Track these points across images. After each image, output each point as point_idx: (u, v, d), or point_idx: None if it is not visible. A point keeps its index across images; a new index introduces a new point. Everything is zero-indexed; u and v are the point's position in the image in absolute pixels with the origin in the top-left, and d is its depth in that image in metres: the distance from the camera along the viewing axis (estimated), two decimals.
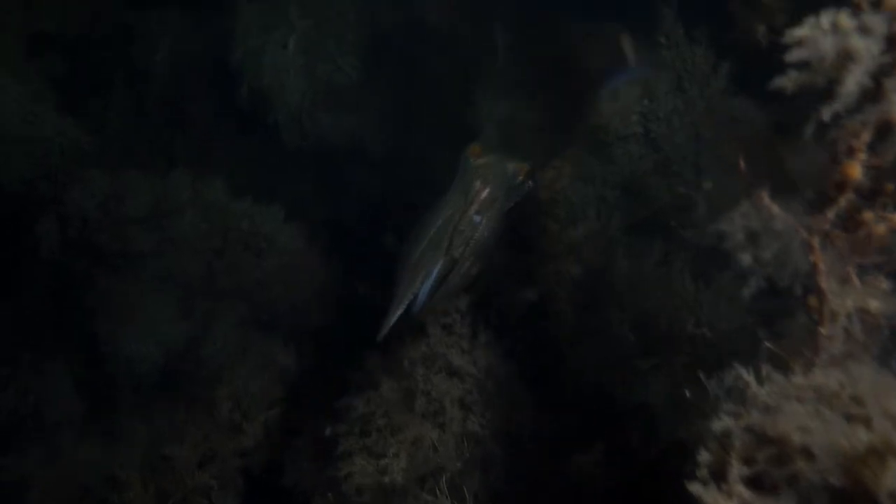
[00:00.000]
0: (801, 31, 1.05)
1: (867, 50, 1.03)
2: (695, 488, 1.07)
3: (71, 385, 2.83)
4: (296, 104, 3.68)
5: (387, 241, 3.48)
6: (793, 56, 1.05)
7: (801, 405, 1.08)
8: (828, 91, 1.06)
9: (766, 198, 1.20)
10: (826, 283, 1.19)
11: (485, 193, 1.75)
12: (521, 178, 1.82)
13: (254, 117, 3.74)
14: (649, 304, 2.89)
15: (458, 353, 1.99)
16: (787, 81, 1.08)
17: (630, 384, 2.74)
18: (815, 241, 1.19)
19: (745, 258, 1.23)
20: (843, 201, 1.17)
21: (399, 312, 1.66)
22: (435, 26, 4.16)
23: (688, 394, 1.71)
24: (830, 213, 1.18)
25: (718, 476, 1.09)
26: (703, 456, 1.12)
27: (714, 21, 3.04)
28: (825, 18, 1.05)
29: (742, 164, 1.33)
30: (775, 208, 1.20)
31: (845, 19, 1.03)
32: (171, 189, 3.41)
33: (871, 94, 1.08)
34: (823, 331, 1.19)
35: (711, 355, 2.77)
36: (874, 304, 1.18)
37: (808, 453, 1.02)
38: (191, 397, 2.72)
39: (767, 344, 1.23)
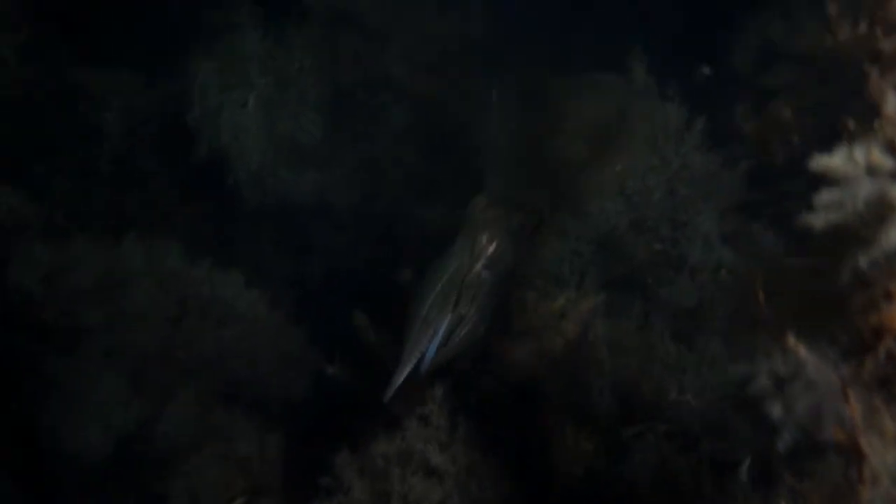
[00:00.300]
0: (831, 162, 0.94)
1: None
2: None
3: (8, 482, 2.57)
4: (256, 163, 3.53)
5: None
6: (823, 199, 0.94)
7: None
8: (863, 237, 0.94)
9: (792, 340, 1.07)
10: (866, 440, 1.05)
11: (492, 248, 1.67)
12: (528, 232, 1.74)
13: (212, 178, 3.58)
14: (631, 370, 2.77)
15: (436, 450, 1.84)
16: (817, 220, 0.97)
17: (614, 457, 2.60)
18: (853, 394, 1.05)
19: (775, 409, 1.08)
20: (883, 350, 1.04)
21: (407, 371, 1.57)
22: (400, 81, 4.08)
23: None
24: (869, 364, 1.05)
25: None
26: None
27: (686, 78, 3.02)
28: (858, 153, 0.94)
29: (760, 295, 1.19)
30: (805, 353, 1.06)
31: (879, 157, 0.92)
32: (122, 257, 3.20)
33: None
34: (864, 493, 1.05)
35: (696, 425, 2.65)
36: None
37: None
38: (142, 490, 2.49)
39: (790, 482, 1.09)
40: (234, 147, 3.48)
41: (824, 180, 0.97)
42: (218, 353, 3.26)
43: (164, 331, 3.16)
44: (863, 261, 0.95)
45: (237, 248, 3.82)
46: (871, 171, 0.89)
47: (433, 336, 1.62)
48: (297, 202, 3.88)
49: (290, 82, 3.64)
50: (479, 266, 1.68)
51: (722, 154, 3.04)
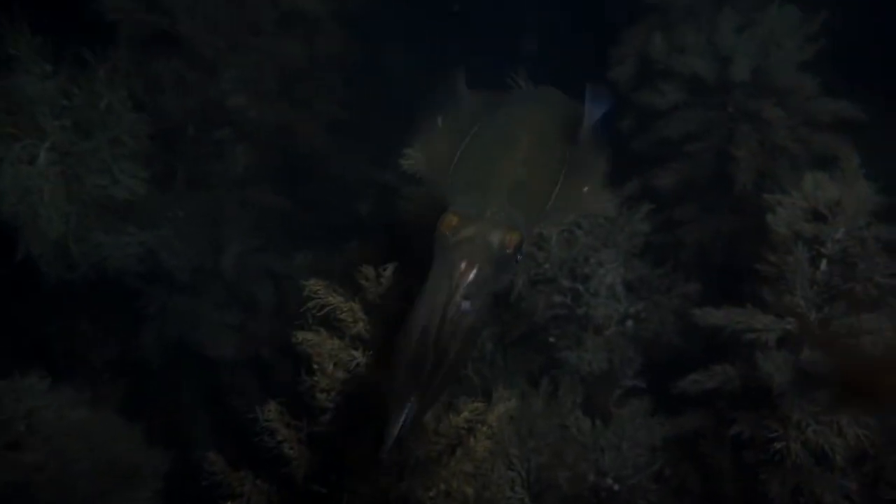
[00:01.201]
0: None
1: None
2: None
3: None
4: (55, 230, 2.77)
5: None
6: None
7: None
8: None
9: None
10: None
11: (471, 276, 1.50)
12: (509, 250, 1.55)
13: None
14: (543, 458, 2.34)
15: None
16: None
17: None
18: None
19: None
20: None
21: (400, 420, 1.44)
22: (240, 112, 3.43)
23: None
24: None
25: None
26: None
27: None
28: None
29: None
30: None
31: None
32: None
33: None
34: None
35: None
36: None
37: None
38: None
39: None
40: (23, 214, 2.70)
41: None
42: (16, 485, 2.49)
43: None
44: None
45: (37, 336, 3.04)
46: None
47: (418, 385, 1.46)
48: (119, 269, 3.14)
49: (96, 125, 2.89)
50: (457, 297, 1.49)
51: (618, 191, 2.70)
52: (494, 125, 1.91)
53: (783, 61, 2.78)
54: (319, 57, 3.88)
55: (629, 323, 2.67)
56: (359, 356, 1.89)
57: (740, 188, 2.84)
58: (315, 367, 1.92)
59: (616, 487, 2.34)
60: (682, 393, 2.39)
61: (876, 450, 2.04)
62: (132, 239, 3.18)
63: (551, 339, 2.68)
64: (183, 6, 3.27)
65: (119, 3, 3.19)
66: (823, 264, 2.23)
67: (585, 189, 1.88)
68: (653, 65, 3.04)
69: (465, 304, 1.48)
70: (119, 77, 3.04)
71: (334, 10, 3.79)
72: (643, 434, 2.43)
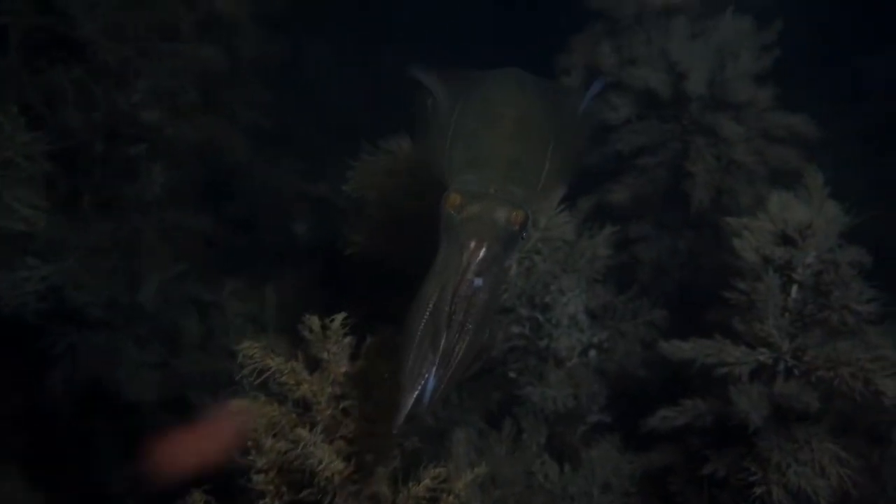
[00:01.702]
0: None
1: None
2: None
3: None
4: None
5: None
6: None
7: None
8: None
9: None
10: None
11: (482, 253, 1.49)
12: (515, 228, 1.54)
13: None
14: None
15: None
16: None
17: None
18: None
19: None
20: None
21: (412, 398, 1.42)
22: (159, 127, 3.08)
23: None
24: None
25: None
26: None
27: None
28: None
29: None
30: None
31: None
32: None
33: None
34: None
35: None
36: None
37: None
38: None
39: None
40: None
41: None
42: None
43: None
44: None
45: None
46: None
47: (431, 363, 1.44)
48: (17, 309, 2.76)
49: None
50: (469, 275, 1.48)
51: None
52: (476, 106, 1.87)
53: (740, 74, 2.67)
54: (241, 62, 3.57)
55: (592, 353, 2.52)
56: (304, 431, 1.64)
57: (697, 205, 2.73)
58: (250, 443, 1.66)
59: None
60: (651, 430, 2.25)
61: (860, 490, 1.95)
62: (32, 274, 2.80)
63: (511, 374, 2.50)
64: (81, 8, 2.89)
65: (6, 5, 2.79)
66: (794, 291, 2.13)
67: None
68: (603, 77, 2.89)
69: (478, 281, 1.48)
70: (7, 90, 2.66)
71: (254, 12, 3.48)
72: (615, 479, 2.28)
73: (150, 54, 3.05)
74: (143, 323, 3.15)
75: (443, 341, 1.43)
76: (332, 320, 1.80)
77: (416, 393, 1.41)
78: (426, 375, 1.42)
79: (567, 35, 3.20)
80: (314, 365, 1.84)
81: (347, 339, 1.81)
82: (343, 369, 1.80)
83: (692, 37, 2.76)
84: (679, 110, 2.80)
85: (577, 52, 3.11)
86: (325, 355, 1.81)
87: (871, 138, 3.63)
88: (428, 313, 1.44)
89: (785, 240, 2.15)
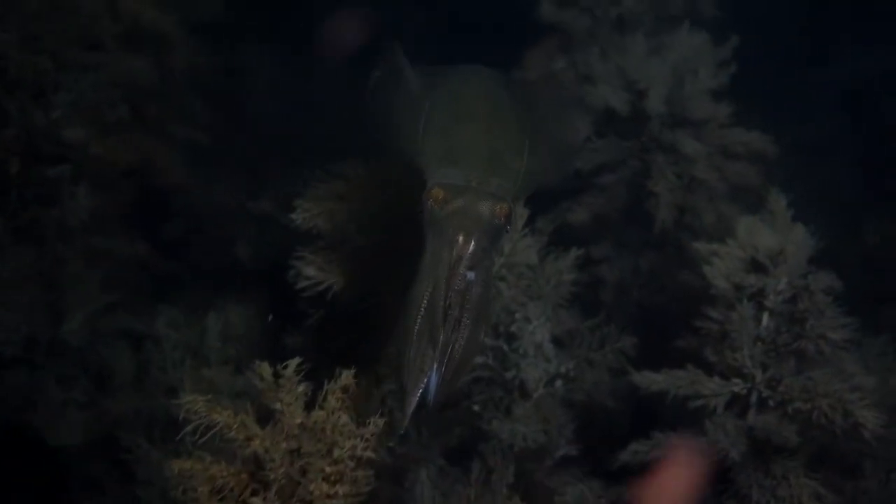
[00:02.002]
0: None
1: None
2: None
3: None
4: None
5: None
6: None
7: None
8: None
9: None
10: None
11: (471, 246, 1.46)
12: (499, 220, 1.51)
13: None
14: None
15: None
16: None
17: None
18: None
19: None
20: None
21: (415, 400, 1.42)
22: (83, 146, 2.81)
23: None
24: None
25: None
26: None
27: None
28: None
29: None
30: None
31: None
32: None
33: None
34: None
35: None
36: None
37: None
38: None
39: None
40: None
41: None
42: None
43: None
44: None
45: None
46: None
47: (432, 360, 1.43)
48: None
49: None
50: (462, 269, 1.45)
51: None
52: (448, 100, 1.83)
53: (698, 90, 2.62)
54: (172, 74, 3.32)
55: (559, 383, 2.40)
56: (257, 500, 1.45)
57: (661, 225, 2.66)
58: None
59: None
60: (622, 465, 2.15)
61: None
62: None
63: (475, 408, 2.36)
64: None
65: None
66: (766, 319, 2.07)
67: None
68: None
69: (470, 275, 1.45)
70: None
71: (187, 21, 3.25)
72: None
73: (70, 67, 2.79)
74: (68, 360, 2.87)
75: (441, 337, 1.40)
76: (286, 366, 1.63)
77: (420, 392, 1.39)
78: (428, 373, 1.41)
79: (521, 49, 3.12)
80: (266, 417, 1.66)
81: (302, 387, 1.64)
82: (298, 421, 1.63)
83: (649, 53, 2.69)
84: (638, 127, 2.73)
85: (532, 67, 3.02)
86: (277, 405, 1.63)
87: (820, 150, 3.68)
88: (423, 311, 1.42)
89: (755, 266, 2.10)
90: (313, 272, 2.05)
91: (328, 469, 1.58)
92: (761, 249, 2.07)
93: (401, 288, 1.59)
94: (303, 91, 4.36)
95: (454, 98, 1.82)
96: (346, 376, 1.67)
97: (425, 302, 1.43)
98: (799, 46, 3.63)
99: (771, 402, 2.01)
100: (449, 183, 1.52)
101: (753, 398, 2.03)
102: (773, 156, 2.66)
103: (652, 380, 2.09)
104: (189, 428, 1.52)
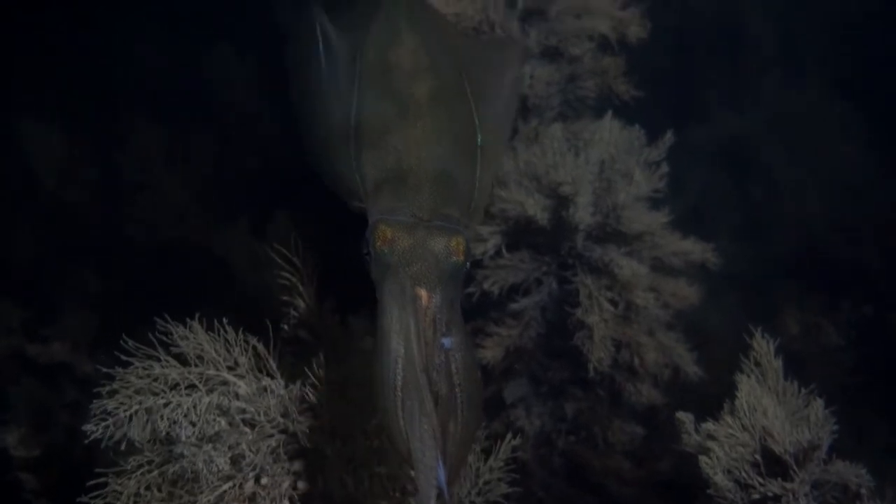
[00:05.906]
0: None
1: None
2: None
3: None
4: None
5: None
6: None
7: None
8: None
9: None
10: None
11: (434, 302, 1.23)
12: (457, 258, 1.28)
13: None
14: None
15: None
16: None
17: None
18: None
19: None
20: None
21: (434, 491, 1.19)
22: None
23: None
24: None
25: None
26: None
27: None
28: None
29: None
30: None
31: None
32: None
33: None
34: None
35: None
36: None
37: None
38: None
39: None
40: None
41: None
42: None
43: None
44: None
45: None
46: None
47: (432, 448, 1.19)
48: None
49: None
50: (437, 337, 1.21)
51: None
52: (380, 76, 1.54)
53: (635, 198, 2.11)
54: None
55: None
56: None
57: (596, 365, 2.10)
58: None
59: None
60: None
61: None
62: None
63: None
64: None
65: None
66: None
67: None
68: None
69: (447, 342, 1.23)
70: None
71: None
72: None
73: None
74: None
75: (436, 424, 1.19)
76: None
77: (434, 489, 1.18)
78: (437, 468, 1.20)
79: None
80: None
81: None
82: None
83: (569, 150, 2.14)
84: (557, 240, 2.16)
85: None
86: None
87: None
88: (401, 396, 1.19)
89: (764, 455, 1.58)
90: None
91: None
92: (786, 442, 1.55)
93: None
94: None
95: (388, 76, 1.52)
96: None
97: (399, 383, 1.19)
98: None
99: None
100: (394, 219, 1.31)
101: None
102: (715, 268, 2.23)
103: None
104: None
